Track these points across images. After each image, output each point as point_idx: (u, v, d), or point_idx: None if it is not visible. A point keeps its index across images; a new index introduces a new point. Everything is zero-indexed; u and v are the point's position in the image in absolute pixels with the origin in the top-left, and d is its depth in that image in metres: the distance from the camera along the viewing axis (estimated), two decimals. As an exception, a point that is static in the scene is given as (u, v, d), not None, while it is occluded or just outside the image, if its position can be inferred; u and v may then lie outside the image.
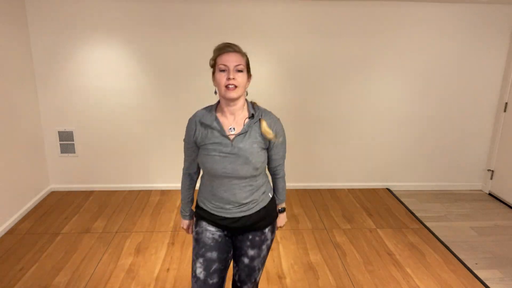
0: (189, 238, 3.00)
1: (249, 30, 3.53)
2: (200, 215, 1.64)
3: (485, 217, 3.49)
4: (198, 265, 1.58)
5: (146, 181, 3.92)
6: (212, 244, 1.58)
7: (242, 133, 1.51)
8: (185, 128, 1.65)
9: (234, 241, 1.66)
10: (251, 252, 1.63)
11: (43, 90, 3.57)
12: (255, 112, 1.55)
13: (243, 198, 1.56)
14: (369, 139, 3.94)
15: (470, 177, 4.12)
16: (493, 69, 3.78)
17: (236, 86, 1.46)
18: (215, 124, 1.52)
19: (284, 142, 1.63)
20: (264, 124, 1.53)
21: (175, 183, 3.94)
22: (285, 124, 3.81)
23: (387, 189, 4.08)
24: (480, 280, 2.53)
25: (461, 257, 2.82)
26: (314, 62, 3.67)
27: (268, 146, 1.58)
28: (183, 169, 1.71)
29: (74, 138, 3.72)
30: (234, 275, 1.73)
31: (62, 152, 3.75)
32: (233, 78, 1.45)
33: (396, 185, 4.10)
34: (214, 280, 1.58)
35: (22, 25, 3.31)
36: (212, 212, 1.59)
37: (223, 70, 1.47)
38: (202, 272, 1.57)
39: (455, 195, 4.00)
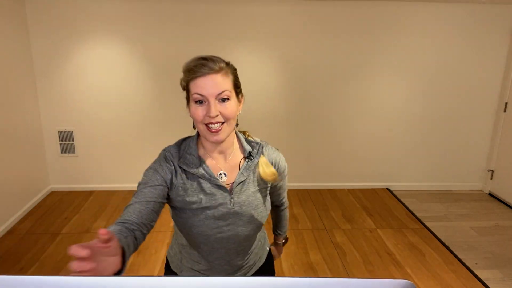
0: (189, 238, 3.00)
1: (250, 30, 3.53)
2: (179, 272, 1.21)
3: (485, 217, 3.49)
4: None
5: (146, 181, 3.91)
6: None
7: (242, 182, 1.08)
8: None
9: None
10: None
11: (43, 90, 3.56)
12: (252, 149, 1.11)
13: (238, 261, 1.18)
14: (369, 139, 3.94)
15: (470, 177, 4.12)
16: (493, 69, 3.78)
17: (220, 129, 1.00)
18: (202, 171, 1.05)
19: (285, 177, 1.24)
20: (263, 162, 1.11)
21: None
22: (285, 124, 3.82)
23: (387, 189, 4.07)
24: (480, 280, 2.53)
25: (461, 257, 2.82)
26: (314, 62, 3.67)
27: (270, 187, 1.17)
28: (118, 218, 0.97)
29: (74, 138, 3.72)
30: None
31: (62, 152, 3.74)
32: (216, 115, 0.98)
33: (396, 185, 4.10)
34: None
35: (22, 25, 3.31)
36: (200, 270, 1.19)
37: (199, 101, 1.00)
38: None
39: (455, 195, 4.00)
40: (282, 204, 1.37)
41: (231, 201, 1.06)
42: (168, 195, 1.06)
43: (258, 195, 1.11)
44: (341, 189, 4.06)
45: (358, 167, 4.03)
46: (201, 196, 1.05)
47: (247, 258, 1.21)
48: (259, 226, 1.14)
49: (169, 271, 1.23)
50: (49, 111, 3.63)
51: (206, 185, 1.05)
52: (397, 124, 3.90)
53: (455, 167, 4.07)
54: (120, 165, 3.84)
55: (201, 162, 1.06)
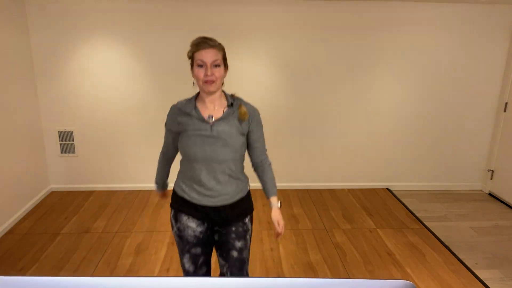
0: (189, 238, 3.00)
1: (249, 30, 3.53)
2: (178, 208, 1.66)
3: (485, 217, 3.49)
4: (185, 260, 1.67)
5: (146, 181, 3.92)
6: (195, 241, 1.65)
7: (222, 119, 1.58)
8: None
9: (218, 236, 1.68)
10: (238, 244, 1.65)
11: (43, 90, 3.57)
12: (234, 101, 1.62)
13: (223, 184, 1.60)
14: (369, 139, 3.94)
15: (470, 177, 4.12)
16: (493, 69, 3.78)
17: (213, 81, 1.52)
18: (193, 112, 1.58)
19: (261, 131, 1.68)
20: (242, 108, 1.61)
21: (175, 183, 3.94)
22: (285, 124, 3.82)
23: (387, 189, 4.08)
24: (480, 280, 2.53)
25: (461, 257, 2.82)
26: (314, 62, 3.67)
27: (247, 131, 1.64)
28: (161, 151, 1.82)
29: (74, 138, 3.72)
30: (224, 273, 1.67)
31: (62, 152, 3.75)
32: (211, 74, 1.51)
33: (396, 185, 4.10)
34: (203, 271, 1.70)
35: (22, 25, 3.31)
36: (193, 201, 1.62)
37: (201, 66, 1.52)
38: (191, 266, 1.67)
39: (455, 195, 4.00)
40: (263, 162, 1.72)
41: (211, 129, 1.55)
42: (176, 131, 1.64)
43: (234, 131, 1.57)
44: (341, 189, 4.06)
45: (358, 167, 4.03)
46: (191, 125, 1.57)
47: (228, 183, 1.61)
48: (233, 151, 1.57)
49: (174, 196, 1.70)
50: (49, 111, 3.63)
51: (196, 121, 1.57)
52: (397, 124, 3.90)
53: (455, 167, 4.07)
54: (120, 165, 3.84)
55: (195, 108, 1.59)
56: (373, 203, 3.70)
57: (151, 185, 3.93)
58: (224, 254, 1.67)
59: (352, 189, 4.06)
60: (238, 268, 1.65)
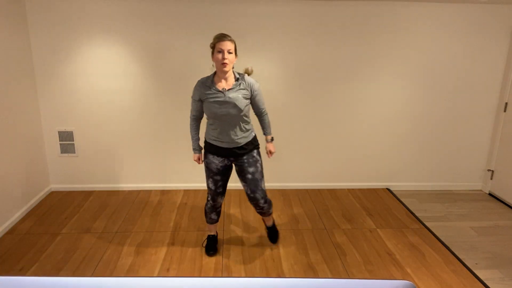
0: (189, 238, 3.00)
1: (250, 30, 3.53)
2: (207, 149, 2.50)
3: (485, 217, 3.49)
4: (209, 182, 2.53)
5: (146, 181, 3.92)
6: (216, 171, 2.49)
7: (232, 89, 2.34)
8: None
9: (236, 166, 2.51)
10: (250, 169, 2.47)
11: (43, 90, 3.57)
12: (239, 77, 2.38)
13: (235, 133, 2.40)
14: (369, 139, 3.94)
15: (470, 177, 4.12)
16: (493, 69, 3.78)
17: (227, 63, 2.26)
18: (212, 86, 2.35)
19: (261, 94, 2.48)
20: (246, 76, 2.42)
21: (175, 183, 3.94)
22: (285, 124, 3.83)
23: (387, 189, 4.08)
24: (480, 280, 2.53)
25: (461, 257, 2.82)
26: (314, 62, 3.67)
27: (250, 97, 2.42)
28: (191, 116, 2.53)
29: (74, 138, 3.72)
30: (246, 191, 2.52)
31: (62, 152, 3.75)
32: (226, 58, 2.25)
33: (396, 185, 4.10)
34: (219, 190, 2.55)
35: (22, 25, 3.31)
36: (216, 144, 2.43)
37: (219, 52, 2.26)
38: (213, 186, 2.52)
39: (455, 195, 4.00)
40: (262, 112, 2.56)
41: (224, 95, 2.32)
42: (200, 99, 2.41)
43: (240, 95, 2.34)
44: (341, 189, 4.06)
45: (358, 167, 4.03)
46: (212, 94, 2.34)
47: (240, 131, 2.42)
48: (239, 110, 2.33)
49: (205, 142, 2.53)
50: (49, 111, 3.63)
51: (214, 91, 2.34)
52: (397, 124, 3.90)
53: (455, 167, 4.07)
54: (120, 165, 3.84)
55: (212, 83, 2.36)
56: (373, 203, 3.70)
57: (151, 185, 3.93)
58: (242, 178, 2.51)
59: (352, 189, 4.06)
60: (254, 185, 2.48)
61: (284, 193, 3.91)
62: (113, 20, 3.44)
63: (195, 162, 3.74)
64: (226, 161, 2.48)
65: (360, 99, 3.81)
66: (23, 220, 3.24)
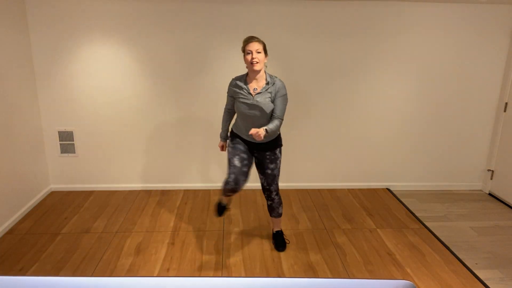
0: (189, 238, 3.00)
1: (249, 30, 3.53)
2: (235, 134, 2.66)
3: (485, 217, 3.49)
4: (235, 159, 2.51)
5: (146, 181, 3.92)
6: (243, 149, 2.58)
7: (260, 92, 2.43)
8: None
9: (257, 159, 2.64)
10: (271, 166, 2.61)
11: (43, 90, 3.57)
12: (270, 80, 2.45)
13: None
14: (369, 139, 3.94)
15: (470, 177, 4.12)
16: (493, 69, 3.78)
17: (257, 62, 2.36)
18: (244, 86, 2.46)
19: (282, 101, 2.46)
20: (277, 80, 2.49)
21: (175, 183, 3.94)
22: (285, 124, 3.82)
23: (387, 189, 4.08)
24: (480, 280, 2.53)
25: (461, 257, 2.82)
26: (314, 62, 3.67)
27: (273, 100, 2.46)
28: (224, 108, 2.71)
29: (74, 138, 3.72)
30: (262, 183, 2.69)
31: (62, 152, 3.75)
32: (255, 57, 2.35)
33: (396, 185, 4.10)
34: (244, 169, 2.51)
35: (22, 25, 3.31)
36: (242, 137, 2.61)
37: (248, 53, 2.36)
38: (239, 163, 2.50)
39: (455, 195, 4.00)
40: (274, 117, 2.48)
41: (253, 98, 2.43)
42: (233, 97, 2.57)
43: (267, 99, 2.43)
44: (341, 189, 4.06)
45: (358, 167, 4.03)
46: (241, 95, 2.47)
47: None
48: (265, 113, 2.44)
49: (231, 131, 2.71)
50: (49, 111, 3.63)
51: (245, 92, 2.46)
52: (397, 124, 3.90)
53: (455, 167, 4.07)
54: (120, 165, 3.84)
55: (245, 83, 2.47)
56: (373, 203, 3.70)
57: (151, 185, 3.93)
58: (262, 172, 2.64)
59: (352, 189, 4.06)
60: (271, 180, 2.64)
61: (284, 193, 3.91)
62: (113, 20, 3.43)
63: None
64: (250, 150, 2.64)
65: (360, 99, 3.80)
66: (23, 220, 3.24)
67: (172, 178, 3.93)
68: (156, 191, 3.91)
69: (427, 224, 3.32)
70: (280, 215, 2.81)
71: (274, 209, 2.77)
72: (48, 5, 3.36)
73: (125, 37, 3.49)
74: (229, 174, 2.43)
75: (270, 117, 2.47)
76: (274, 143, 2.60)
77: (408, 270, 2.62)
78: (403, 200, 3.83)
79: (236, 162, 2.48)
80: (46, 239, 2.94)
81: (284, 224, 3.25)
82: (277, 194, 2.72)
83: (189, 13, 3.46)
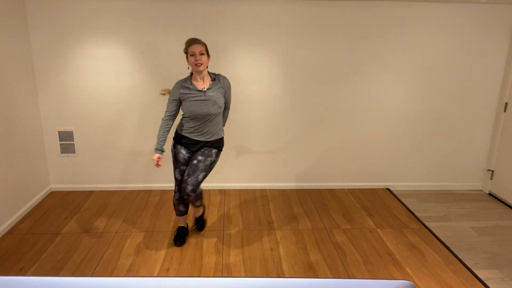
0: (189, 238, 3.00)
1: (249, 30, 3.53)
2: (177, 140, 2.67)
3: (485, 217, 3.49)
4: (176, 172, 2.70)
5: (146, 181, 3.92)
6: (183, 161, 2.67)
7: (210, 88, 2.56)
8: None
9: (193, 153, 2.67)
10: (199, 158, 2.61)
11: (43, 90, 3.57)
12: (216, 76, 2.61)
13: (209, 129, 2.60)
14: (369, 139, 3.94)
15: (470, 177, 4.12)
16: (493, 69, 3.78)
17: (201, 64, 2.46)
18: (191, 87, 2.54)
19: (230, 91, 2.71)
20: (220, 75, 2.67)
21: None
22: (285, 124, 3.82)
23: (387, 189, 4.08)
24: (480, 280, 2.53)
25: (461, 257, 2.82)
26: (315, 62, 3.67)
27: (224, 94, 2.64)
28: (164, 118, 2.60)
29: (74, 138, 3.72)
30: (184, 174, 2.66)
31: (62, 152, 3.75)
32: (199, 59, 2.46)
33: (396, 185, 4.10)
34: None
35: (22, 24, 3.31)
36: (190, 136, 2.61)
37: (192, 55, 2.46)
38: (179, 176, 2.70)
39: (455, 195, 4.00)
40: (226, 107, 2.76)
41: (205, 94, 2.52)
42: (179, 99, 2.56)
43: (219, 94, 2.57)
44: (341, 189, 4.06)
45: (358, 167, 4.03)
46: (191, 94, 2.51)
47: (212, 129, 2.62)
48: (218, 108, 2.55)
49: (176, 133, 2.70)
50: (49, 111, 3.63)
51: (194, 92, 2.52)
52: (397, 124, 3.90)
53: (455, 167, 4.07)
54: (120, 165, 3.84)
55: (191, 83, 2.54)
56: (373, 203, 3.70)
57: (151, 185, 3.93)
58: (190, 163, 2.63)
59: (352, 189, 4.06)
60: (192, 171, 2.56)
61: (284, 193, 3.91)
62: (114, 20, 3.43)
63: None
64: (190, 152, 2.68)
65: (360, 99, 3.80)
66: (23, 220, 3.24)
67: (172, 178, 3.93)
68: (156, 191, 3.91)
69: (427, 224, 3.32)
70: (198, 206, 2.83)
71: (191, 202, 2.68)
72: (48, 5, 3.36)
73: (125, 37, 3.49)
74: (175, 186, 2.76)
75: (221, 110, 2.60)
76: (215, 144, 2.68)
77: (408, 270, 2.62)
78: (403, 200, 3.83)
79: (177, 175, 2.70)
80: (46, 239, 2.94)
81: (284, 224, 3.25)
82: (194, 191, 2.54)
83: (190, 14, 3.46)
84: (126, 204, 3.58)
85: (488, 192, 4.04)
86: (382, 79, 3.75)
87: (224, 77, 2.65)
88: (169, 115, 2.60)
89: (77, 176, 3.83)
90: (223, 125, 2.81)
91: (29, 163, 3.43)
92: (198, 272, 2.59)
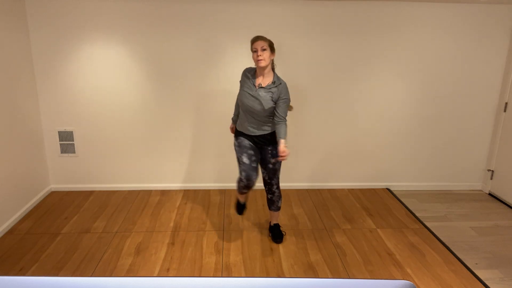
0: (189, 238, 3.00)
1: (249, 29, 3.53)
2: (238, 132, 2.78)
3: (485, 217, 3.49)
4: (244, 157, 2.65)
5: (146, 181, 3.92)
6: (249, 146, 2.69)
7: (264, 88, 2.56)
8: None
9: (261, 152, 2.74)
10: (272, 160, 2.72)
11: (43, 90, 3.57)
12: (276, 81, 2.58)
13: (256, 125, 2.66)
14: (369, 139, 3.94)
15: (470, 177, 4.12)
16: (493, 69, 3.78)
17: (262, 59, 2.49)
18: (251, 78, 2.61)
19: (285, 104, 2.58)
20: (283, 83, 2.61)
21: (175, 183, 3.95)
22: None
23: (387, 189, 4.08)
24: (480, 280, 2.53)
25: (461, 257, 2.82)
26: (315, 62, 3.67)
27: (276, 100, 2.57)
28: (237, 97, 2.74)
29: (74, 138, 3.72)
30: (264, 177, 2.81)
31: (62, 152, 3.75)
32: (260, 55, 2.48)
33: (396, 185, 4.10)
34: (254, 164, 2.66)
35: (22, 24, 3.31)
36: (243, 131, 2.72)
37: (255, 51, 2.51)
38: (247, 160, 2.64)
39: (455, 195, 4.00)
40: (276, 116, 2.59)
41: (256, 91, 2.57)
42: (241, 84, 2.67)
43: (268, 96, 2.55)
44: (341, 189, 4.06)
45: (358, 167, 4.03)
46: (247, 85, 2.62)
47: (260, 127, 2.66)
48: (263, 109, 2.56)
49: (236, 129, 2.83)
50: (49, 111, 3.63)
51: (250, 83, 2.61)
52: (397, 124, 3.90)
53: (455, 167, 4.07)
54: (120, 165, 3.84)
55: (253, 76, 2.62)
56: (373, 203, 3.70)
57: (151, 185, 3.93)
58: (264, 166, 2.76)
59: (352, 189, 4.06)
60: (272, 174, 2.76)
61: (284, 193, 3.91)
62: (114, 19, 3.44)
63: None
64: (255, 145, 2.72)
65: (360, 99, 3.81)
66: (23, 220, 3.24)
67: (172, 178, 3.93)
68: (156, 191, 3.91)
69: (427, 224, 3.32)
70: (278, 208, 2.93)
71: (274, 202, 2.88)
72: (48, 5, 3.36)
73: (126, 37, 3.49)
74: (240, 171, 2.63)
75: (268, 115, 2.60)
76: (271, 136, 2.71)
77: (408, 270, 2.62)
78: (403, 200, 3.83)
79: (245, 159, 2.64)
80: (46, 239, 2.94)
81: (284, 224, 3.25)
82: (278, 188, 2.83)
83: (190, 13, 3.46)
84: (126, 204, 3.58)
85: (488, 192, 4.04)
86: (382, 79, 3.75)
87: (285, 85, 2.58)
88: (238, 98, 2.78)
89: (77, 176, 3.83)
90: (281, 137, 2.56)
91: (29, 163, 3.43)
92: (198, 272, 2.59)
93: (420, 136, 3.95)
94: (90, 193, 3.82)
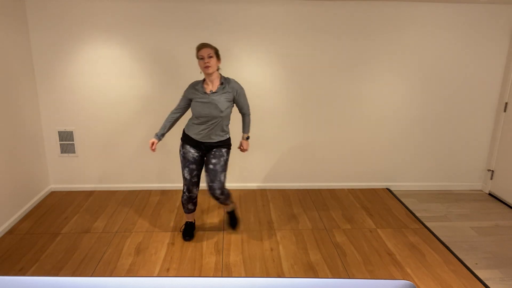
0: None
1: (249, 30, 3.53)
2: (185, 141, 2.74)
3: (485, 217, 3.49)
4: (185, 171, 2.74)
5: (146, 181, 3.92)
6: (192, 160, 2.72)
7: (215, 92, 2.61)
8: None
9: (204, 156, 2.76)
10: (213, 161, 2.69)
11: (43, 90, 3.57)
12: (224, 81, 2.64)
13: (213, 132, 2.66)
14: (369, 139, 3.94)
15: (470, 177, 4.12)
16: (493, 69, 3.78)
17: (209, 66, 2.52)
18: (200, 88, 2.64)
19: (244, 97, 2.71)
20: (232, 80, 2.69)
21: (175, 183, 3.94)
22: (285, 124, 3.82)
23: (387, 189, 4.08)
24: (480, 280, 2.53)
25: (461, 257, 2.82)
26: (315, 62, 3.67)
27: (233, 99, 2.68)
28: (173, 110, 2.76)
29: (74, 138, 3.72)
30: (206, 180, 2.72)
31: (62, 152, 3.75)
32: (207, 62, 2.52)
33: (396, 185, 4.10)
34: (194, 179, 2.77)
35: (22, 24, 3.31)
36: (195, 138, 2.69)
37: (201, 58, 2.54)
38: (188, 175, 2.74)
39: (455, 195, 4.00)
40: (244, 113, 2.80)
41: (209, 97, 2.59)
42: (189, 99, 2.68)
43: (223, 98, 2.60)
44: (341, 189, 4.06)
45: (358, 167, 4.03)
46: (198, 95, 2.62)
47: (217, 132, 2.67)
48: (221, 112, 2.59)
49: (183, 133, 2.76)
50: (49, 111, 3.63)
51: (200, 94, 2.62)
52: (397, 124, 3.90)
53: (455, 167, 4.07)
54: (120, 165, 3.84)
55: (202, 86, 2.64)
56: (373, 203, 3.70)
57: (151, 185, 3.93)
58: (206, 168, 2.72)
59: (352, 189, 4.06)
60: (213, 175, 2.68)
61: (284, 193, 3.91)
62: (114, 19, 3.43)
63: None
64: (200, 153, 2.73)
65: (360, 99, 3.81)
66: (23, 220, 3.24)
67: (172, 178, 3.93)
68: (156, 191, 3.91)
69: (427, 224, 3.32)
70: (231, 203, 2.94)
71: (222, 203, 2.84)
72: (48, 5, 3.36)
73: (126, 37, 3.49)
74: (183, 185, 2.79)
75: (225, 119, 2.65)
76: (222, 144, 2.73)
77: (408, 270, 2.62)
78: (403, 200, 3.83)
79: (186, 174, 2.74)
80: (46, 239, 2.94)
81: (284, 224, 3.25)
82: (222, 193, 2.71)
83: (190, 13, 3.46)
84: (126, 204, 3.58)
85: (488, 192, 4.04)
86: (382, 79, 3.75)
87: (234, 81, 2.67)
88: (177, 109, 2.74)
89: (77, 176, 3.83)
90: (246, 131, 2.85)
91: (29, 163, 3.43)
92: (198, 272, 2.59)
93: (420, 136, 3.96)
94: (90, 193, 3.82)
